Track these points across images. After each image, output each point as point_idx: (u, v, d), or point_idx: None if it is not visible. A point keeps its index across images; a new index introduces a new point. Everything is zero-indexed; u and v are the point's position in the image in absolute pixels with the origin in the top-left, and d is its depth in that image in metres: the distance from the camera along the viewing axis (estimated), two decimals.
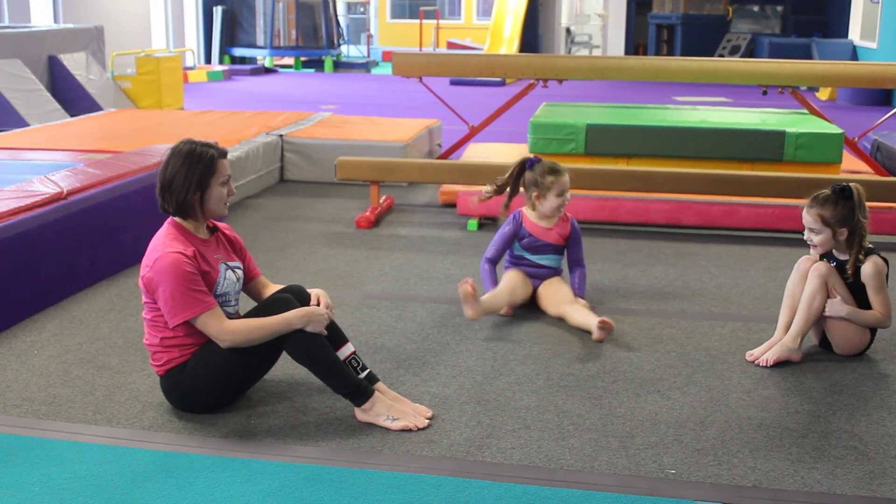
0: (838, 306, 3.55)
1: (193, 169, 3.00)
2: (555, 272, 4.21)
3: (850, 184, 3.55)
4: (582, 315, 3.89)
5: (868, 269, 3.54)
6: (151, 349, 3.06)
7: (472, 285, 3.76)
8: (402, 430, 2.94)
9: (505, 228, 4.19)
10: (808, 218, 3.58)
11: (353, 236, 5.47)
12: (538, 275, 4.18)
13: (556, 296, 4.07)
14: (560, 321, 4.00)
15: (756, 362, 3.56)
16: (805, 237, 3.64)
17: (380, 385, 3.10)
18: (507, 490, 2.59)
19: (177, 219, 3.06)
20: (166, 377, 3.04)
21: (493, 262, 4.21)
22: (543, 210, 4.12)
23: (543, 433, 2.95)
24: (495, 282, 4.13)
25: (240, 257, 3.23)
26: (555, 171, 4.11)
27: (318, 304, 3.11)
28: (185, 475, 2.65)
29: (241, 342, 2.95)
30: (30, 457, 2.75)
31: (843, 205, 3.52)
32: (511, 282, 4.10)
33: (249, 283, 3.27)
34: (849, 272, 3.57)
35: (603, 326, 3.74)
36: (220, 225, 3.23)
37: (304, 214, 6.05)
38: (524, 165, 4.19)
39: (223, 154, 3.08)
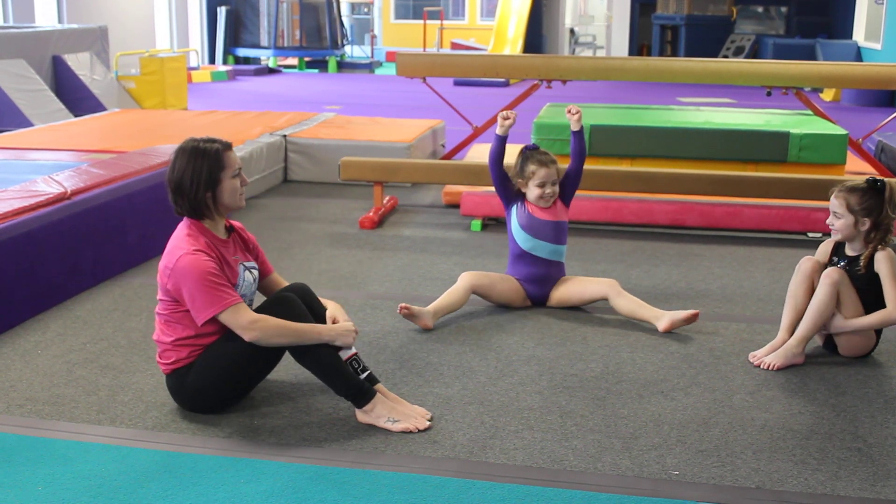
0: (840, 323, 3.54)
1: (200, 165, 2.96)
2: (560, 269, 4.20)
3: (885, 180, 3.55)
4: (638, 306, 3.97)
5: (881, 255, 3.51)
6: (161, 346, 3.04)
7: (406, 306, 3.82)
8: (403, 432, 2.92)
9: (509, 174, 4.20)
10: (835, 202, 3.57)
11: (356, 237, 5.47)
12: (539, 276, 4.16)
13: (584, 286, 4.12)
14: (561, 322, 4.01)
15: (758, 364, 3.55)
16: (827, 222, 3.63)
17: (379, 387, 3.08)
18: (510, 491, 2.59)
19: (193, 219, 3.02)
20: (171, 376, 3.04)
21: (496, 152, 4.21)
22: (529, 198, 4.14)
23: (547, 434, 2.95)
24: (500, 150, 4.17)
25: (253, 256, 3.21)
26: (541, 161, 4.11)
27: (335, 322, 3.10)
28: (188, 475, 2.65)
29: (267, 339, 2.89)
30: (33, 456, 2.75)
31: (872, 196, 3.52)
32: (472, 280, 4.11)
33: (263, 281, 3.25)
34: (862, 263, 3.55)
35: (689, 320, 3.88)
36: (236, 225, 3.21)
37: (308, 215, 6.05)
38: (522, 152, 4.21)
39: (228, 146, 3.03)
